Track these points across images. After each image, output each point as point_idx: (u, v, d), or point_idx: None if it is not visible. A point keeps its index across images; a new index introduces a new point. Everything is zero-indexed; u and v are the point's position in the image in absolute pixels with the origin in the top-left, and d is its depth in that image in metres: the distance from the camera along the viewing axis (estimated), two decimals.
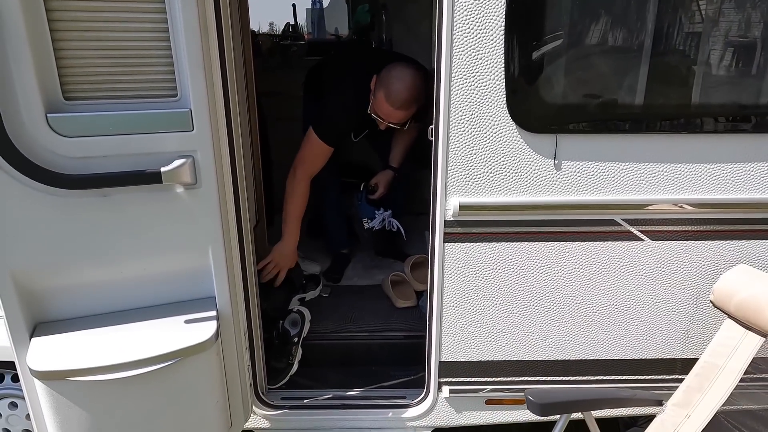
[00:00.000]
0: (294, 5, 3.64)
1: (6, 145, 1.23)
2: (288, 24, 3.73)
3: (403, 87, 2.03)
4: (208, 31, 1.40)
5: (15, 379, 1.89)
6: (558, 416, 1.49)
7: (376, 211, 2.52)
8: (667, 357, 1.85)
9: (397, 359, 2.15)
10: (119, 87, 1.36)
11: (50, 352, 1.40)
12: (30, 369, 1.37)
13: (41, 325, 1.47)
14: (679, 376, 1.81)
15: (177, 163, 1.39)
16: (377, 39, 3.78)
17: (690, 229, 1.69)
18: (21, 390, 1.87)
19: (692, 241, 1.71)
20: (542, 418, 1.46)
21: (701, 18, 1.53)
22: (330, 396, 1.99)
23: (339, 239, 2.73)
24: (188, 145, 1.41)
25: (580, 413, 1.48)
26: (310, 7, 4.17)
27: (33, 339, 1.43)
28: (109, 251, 1.43)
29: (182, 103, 1.40)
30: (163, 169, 1.38)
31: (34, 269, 1.39)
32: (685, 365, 1.81)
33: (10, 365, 1.80)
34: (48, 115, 1.29)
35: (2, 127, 1.22)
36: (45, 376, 1.36)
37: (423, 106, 2.11)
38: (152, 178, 1.37)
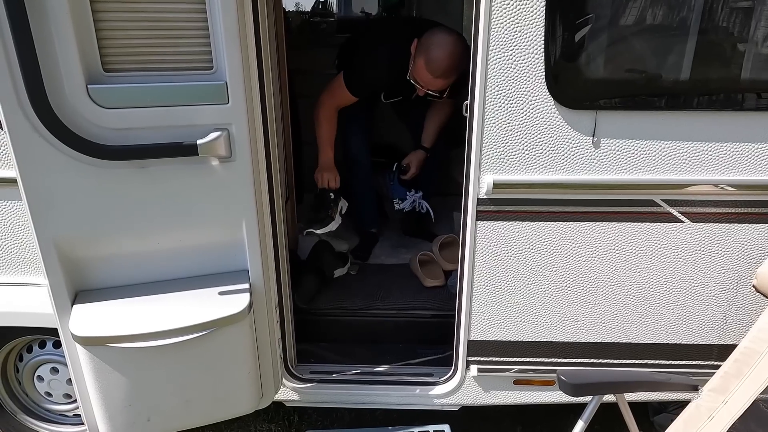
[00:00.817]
0: None
1: (49, 116, 1.26)
2: (317, 1, 3.71)
3: (444, 55, 2.00)
4: (243, 5, 1.39)
5: (56, 345, 1.96)
6: (589, 398, 1.47)
7: (407, 193, 2.50)
8: (704, 342, 1.80)
9: (425, 338, 2.15)
10: (156, 59, 1.37)
11: (91, 318, 1.44)
12: (72, 334, 1.42)
13: (82, 293, 1.52)
14: (716, 363, 1.77)
15: (213, 135, 1.40)
16: (407, 16, 3.72)
17: (732, 211, 1.63)
18: (62, 356, 1.96)
19: (734, 224, 1.65)
20: (573, 399, 1.44)
21: None
22: (358, 371, 2.01)
23: (368, 218, 2.73)
24: (223, 118, 1.42)
25: (612, 396, 1.46)
26: None
27: (74, 306, 1.48)
28: (146, 222, 1.46)
29: (218, 75, 1.41)
30: (199, 142, 1.39)
31: (75, 237, 1.43)
32: (722, 351, 1.77)
33: (52, 332, 1.88)
34: (89, 86, 1.31)
35: (45, 98, 1.24)
36: (86, 342, 1.41)
37: (459, 81, 2.07)
38: (189, 150, 1.39)
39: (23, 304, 1.77)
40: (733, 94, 1.54)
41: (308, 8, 3.88)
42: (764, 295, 1.54)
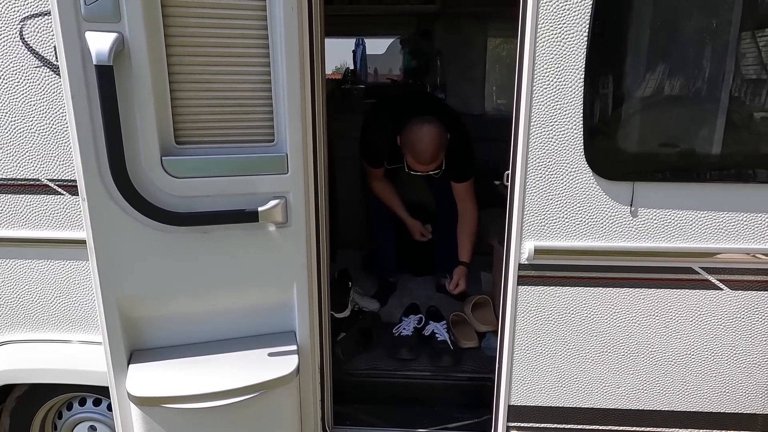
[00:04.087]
0: (354, 51, 3.84)
1: (127, 186, 1.35)
2: (347, 69, 3.93)
3: (425, 146, 2.26)
4: (304, 83, 1.51)
5: (96, 403, 1.98)
6: None
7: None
8: (748, 411, 1.79)
9: (461, 400, 2.14)
10: (223, 132, 1.48)
11: (147, 379, 1.48)
12: (129, 394, 1.45)
13: (136, 352, 1.56)
14: None
15: (272, 203, 1.49)
16: (431, 82, 3.92)
17: None
18: (100, 414, 1.98)
19: None
20: None
21: None
22: None
23: (388, 267, 2.90)
24: (282, 187, 1.51)
25: None
26: (359, 52, 4.38)
27: (131, 365, 1.52)
28: (205, 284, 1.53)
29: (278, 147, 1.51)
30: (260, 209, 1.47)
31: (137, 298, 1.49)
32: (767, 420, 1.75)
33: (94, 389, 1.91)
34: (163, 158, 1.41)
35: (125, 171, 1.34)
36: (142, 402, 1.44)
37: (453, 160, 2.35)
38: (250, 216, 1.47)
39: (72, 362, 1.81)
40: (762, 168, 1.61)
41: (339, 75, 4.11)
42: None
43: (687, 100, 1.58)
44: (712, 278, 1.68)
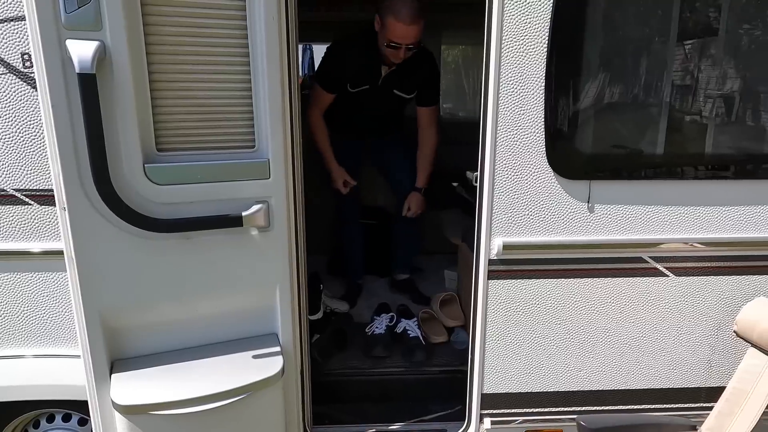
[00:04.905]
0: (312, 58, 3.88)
1: (110, 195, 1.34)
2: (306, 75, 3.97)
3: (409, 3, 2.24)
4: (284, 89, 1.55)
5: (66, 419, 1.93)
6: None
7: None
8: (692, 386, 1.98)
9: (434, 393, 2.23)
10: (205, 139, 1.50)
11: (131, 387, 1.47)
12: (114, 403, 1.43)
13: (117, 362, 1.55)
14: (704, 404, 1.95)
15: (255, 208, 1.52)
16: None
17: (710, 265, 1.86)
18: (69, 430, 1.93)
19: (712, 277, 1.87)
20: None
21: (716, 81, 1.75)
22: (374, 431, 2.06)
23: (356, 270, 2.95)
24: (265, 192, 1.54)
25: None
26: (306, 58, 4.42)
27: (113, 375, 1.50)
28: (189, 289, 1.53)
29: (259, 153, 1.54)
30: (244, 214, 1.50)
31: (120, 307, 1.48)
32: (709, 393, 1.94)
33: (63, 404, 1.86)
34: (145, 165, 1.41)
35: (108, 178, 1.33)
36: (129, 411, 1.43)
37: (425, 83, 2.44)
38: (234, 221, 1.49)
39: (41, 377, 1.76)
40: (699, 166, 1.80)
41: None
42: (744, 340, 1.74)
43: (634, 107, 1.75)
44: (659, 266, 1.85)
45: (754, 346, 1.71)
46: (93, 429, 1.57)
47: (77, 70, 1.25)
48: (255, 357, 1.62)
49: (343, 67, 2.53)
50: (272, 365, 1.60)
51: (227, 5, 1.43)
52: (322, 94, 2.59)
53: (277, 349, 1.65)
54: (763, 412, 1.62)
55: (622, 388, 1.97)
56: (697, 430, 1.70)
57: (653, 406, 1.99)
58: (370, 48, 2.43)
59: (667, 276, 1.87)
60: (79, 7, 1.26)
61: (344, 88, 2.57)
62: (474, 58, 3.89)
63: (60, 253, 1.46)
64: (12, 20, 1.50)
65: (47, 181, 1.60)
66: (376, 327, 2.39)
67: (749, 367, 1.69)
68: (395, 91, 2.61)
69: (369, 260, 3.03)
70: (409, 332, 2.36)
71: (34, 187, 1.62)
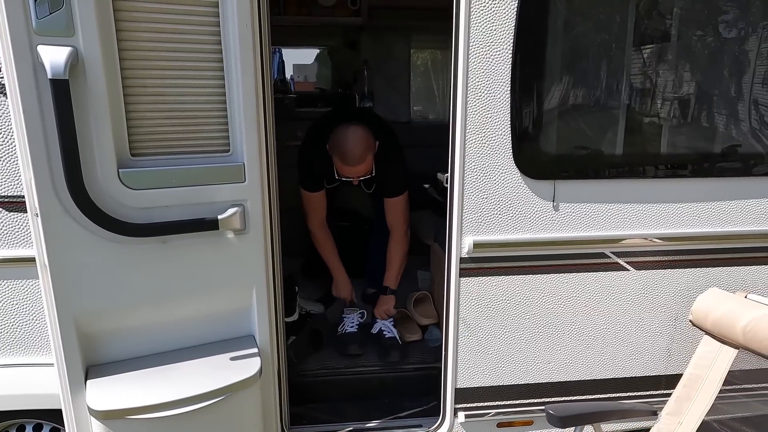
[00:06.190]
0: (282, 61, 3.89)
1: (85, 200, 1.34)
2: (277, 79, 3.97)
3: (352, 146, 2.24)
4: (258, 94, 1.58)
5: (37, 429, 1.89)
6: (572, 429, 1.67)
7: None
8: (653, 374, 2.08)
9: (409, 390, 2.28)
10: (179, 143, 1.51)
11: (108, 392, 1.47)
12: (90, 409, 1.43)
13: (92, 368, 1.54)
14: (664, 391, 2.05)
15: (231, 211, 1.54)
16: (359, 91, 4.06)
17: (667, 259, 1.97)
18: None
19: (668, 270, 1.98)
20: None
21: (672, 84, 1.86)
22: (351, 429, 2.09)
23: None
24: (240, 195, 1.57)
25: (591, 426, 1.67)
26: (275, 60, 4.42)
27: (89, 381, 1.49)
28: (166, 293, 1.54)
29: (234, 157, 1.56)
30: (220, 217, 1.52)
31: (95, 313, 1.47)
32: (669, 380, 2.05)
33: (35, 414, 1.83)
34: (120, 170, 1.41)
35: (82, 184, 1.33)
36: (106, 416, 1.43)
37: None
38: (210, 225, 1.51)
39: (11, 386, 1.73)
40: (656, 165, 1.91)
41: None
42: (699, 328, 1.85)
43: (594, 110, 1.84)
44: (620, 261, 1.95)
45: (708, 333, 1.81)
46: None
47: (49, 76, 1.25)
48: (232, 359, 1.63)
49: (311, 169, 2.49)
50: (250, 366, 1.62)
51: (200, 11, 1.45)
52: (309, 196, 2.52)
53: (255, 350, 1.67)
54: (717, 395, 1.72)
55: (588, 378, 2.06)
56: (657, 414, 1.80)
57: (618, 395, 2.09)
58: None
59: (628, 270, 1.96)
60: (51, 13, 1.26)
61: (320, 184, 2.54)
62: (443, 61, 3.97)
63: (31, 260, 1.45)
64: None
65: (17, 188, 1.58)
66: (348, 325, 2.42)
67: (704, 354, 1.80)
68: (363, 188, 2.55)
69: (343, 262, 3.04)
70: (385, 332, 2.40)
71: (3, 194, 1.60)
